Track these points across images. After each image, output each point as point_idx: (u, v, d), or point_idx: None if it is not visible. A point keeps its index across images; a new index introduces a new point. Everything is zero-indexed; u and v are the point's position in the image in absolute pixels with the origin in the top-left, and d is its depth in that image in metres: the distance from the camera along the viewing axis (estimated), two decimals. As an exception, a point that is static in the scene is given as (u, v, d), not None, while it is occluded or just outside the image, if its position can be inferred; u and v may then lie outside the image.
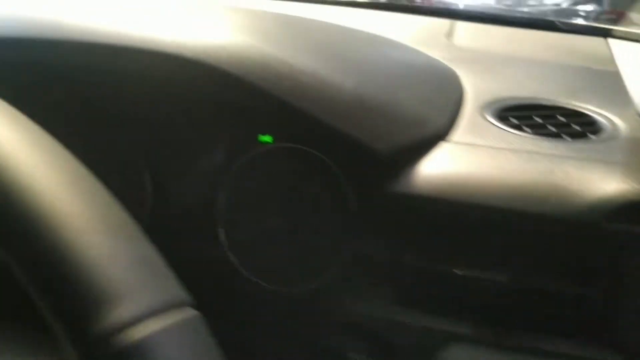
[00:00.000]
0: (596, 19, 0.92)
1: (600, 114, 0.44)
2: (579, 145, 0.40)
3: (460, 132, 0.41)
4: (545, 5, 2.16)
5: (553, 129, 0.42)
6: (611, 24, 0.78)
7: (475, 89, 0.47)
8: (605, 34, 0.62)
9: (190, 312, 0.22)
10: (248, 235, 0.48)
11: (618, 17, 0.99)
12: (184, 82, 0.39)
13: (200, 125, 0.46)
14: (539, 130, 0.42)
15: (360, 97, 0.39)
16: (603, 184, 0.35)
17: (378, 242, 0.41)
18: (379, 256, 0.41)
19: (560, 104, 0.45)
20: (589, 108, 0.45)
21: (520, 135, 0.41)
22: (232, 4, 0.73)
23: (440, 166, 0.39)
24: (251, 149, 0.49)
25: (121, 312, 0.20)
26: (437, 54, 0.53)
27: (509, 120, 0.43)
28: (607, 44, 0.60)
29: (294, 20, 0.48)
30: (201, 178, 0.49)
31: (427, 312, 0.41)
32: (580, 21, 0.77)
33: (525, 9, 1.23)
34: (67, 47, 0.39)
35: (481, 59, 0.54)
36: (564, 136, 0.42)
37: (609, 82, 0.50)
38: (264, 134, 0.43)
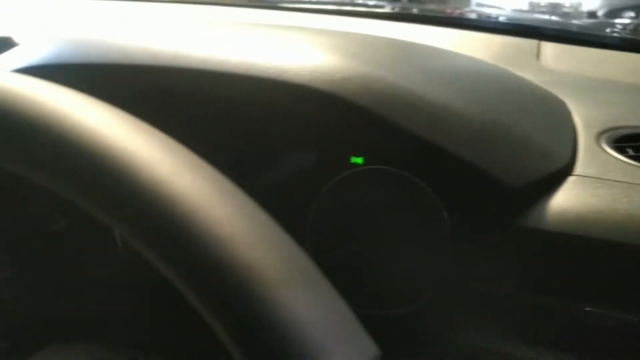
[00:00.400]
0: (635, 31, 0.91)
1: None
2: None
3: (582, 165, 0.41)
4: (581, 13, 2.13)
5: (673, 162, 0.42)
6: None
7: (583, 117, 0.47)
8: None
9: None
10: (337, 257, 0.47)
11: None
12: (306, 110, 0.39)
13: (303, 148, 0.46)
14: (658, 162, 0.42)
15: (489, 128, 0.39)
16: None
17: (495, 275, 0.40)
18: (493, 288, 0.41)
19: (675, 134, 0.44)
20: None
21: (642, 167, 0.41)
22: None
23: (570, 201, 0.38)
24: (343, 170, 0.49)
25: None
26: (531, 78, 0.53)
27: (626, 151, 0.43)
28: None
29: (398, 45, 0.47)
30: (291, 201, 0.49)
31: (543, 346, 0.41)
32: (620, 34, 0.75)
33: (576, 21, 1.21)
34: (198, 76, 0.39)
35: (578, 83, 0.53)
36: (685, 169, 0.41)
37: None
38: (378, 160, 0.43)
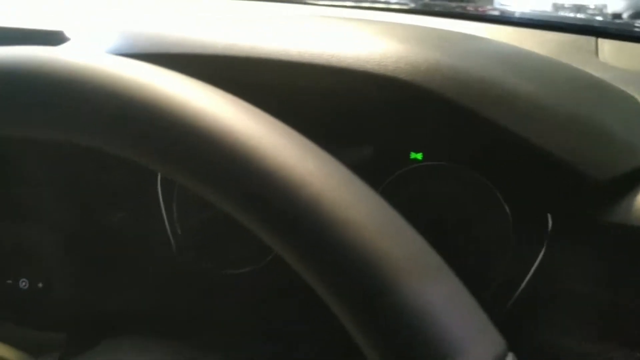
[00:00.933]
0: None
1: None
2: None
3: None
4: (606, 15, 2.12)
5: None
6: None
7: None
8: None
9: (512, 356, 0.22)
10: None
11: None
12: (388, 101, 0.39)
13: (380, 139, 0.46)
14: None
15: (574, 121, 0.38)
16: None
17: (576, 271, 0.40)
18: (573, 285, 0.40)
19: None
20: None
21: None
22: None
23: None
24: (402, 166, 0.48)
25: None
26: (595, 75, 0.52)
27: None
28: None
29: (474, 38, 0.47)
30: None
31: (626, 345, 0.40)
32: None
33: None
34: (278, 67, 0.38)
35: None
36: None
37: None
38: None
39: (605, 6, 2.02)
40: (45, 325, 0.53)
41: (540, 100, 0.38)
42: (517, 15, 0.66)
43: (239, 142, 0.24)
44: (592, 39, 0.61)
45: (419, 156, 0.54)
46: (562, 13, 2.06)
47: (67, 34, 0.67)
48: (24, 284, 0.53)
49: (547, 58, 0.48)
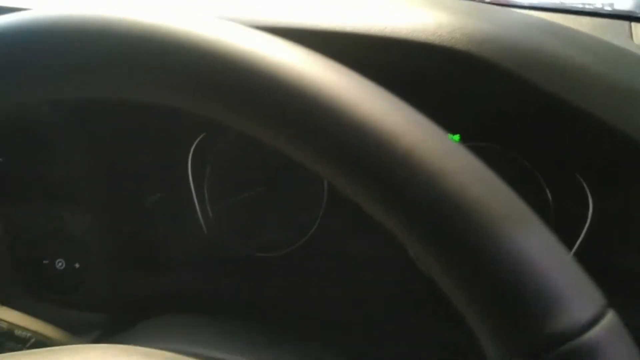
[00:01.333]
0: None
1: None
2: None
3: None
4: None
5: None
6: None
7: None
8: None
9: (613, 312, 0.21)
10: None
11: None
12: (441, 72, 0.39)
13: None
14: None
15: (631, 92, 0.38)
16: None
17: (616, 249, 0.40)
18: (625, 259, 0.40)
19: None
20: None
21: None
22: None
23: None
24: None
25: (575, 314, 0.19)
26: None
27: None
28: None
29: (519, 14, 0.47)
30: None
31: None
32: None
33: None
34: (329, 37, 0.38)
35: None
36: None
37: None
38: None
39: (612, 5, 2.02)
40: (82, 305, 0.53)
41: (595, 71, 0.38)
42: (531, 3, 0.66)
43: (334, 98, 0.23)
44: (625, 23, 0.61)
45: (456, 138, 0.53)
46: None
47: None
48: (60, 264, 0.52)
49: (592, 35, 0.48)
